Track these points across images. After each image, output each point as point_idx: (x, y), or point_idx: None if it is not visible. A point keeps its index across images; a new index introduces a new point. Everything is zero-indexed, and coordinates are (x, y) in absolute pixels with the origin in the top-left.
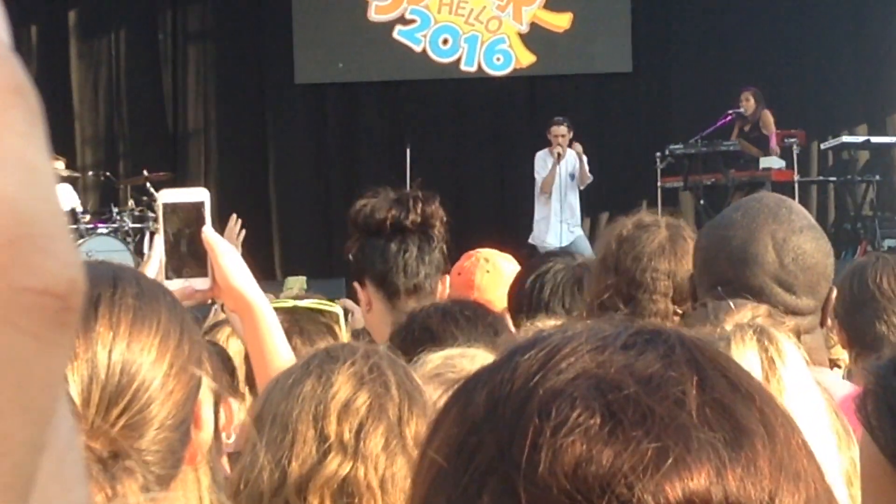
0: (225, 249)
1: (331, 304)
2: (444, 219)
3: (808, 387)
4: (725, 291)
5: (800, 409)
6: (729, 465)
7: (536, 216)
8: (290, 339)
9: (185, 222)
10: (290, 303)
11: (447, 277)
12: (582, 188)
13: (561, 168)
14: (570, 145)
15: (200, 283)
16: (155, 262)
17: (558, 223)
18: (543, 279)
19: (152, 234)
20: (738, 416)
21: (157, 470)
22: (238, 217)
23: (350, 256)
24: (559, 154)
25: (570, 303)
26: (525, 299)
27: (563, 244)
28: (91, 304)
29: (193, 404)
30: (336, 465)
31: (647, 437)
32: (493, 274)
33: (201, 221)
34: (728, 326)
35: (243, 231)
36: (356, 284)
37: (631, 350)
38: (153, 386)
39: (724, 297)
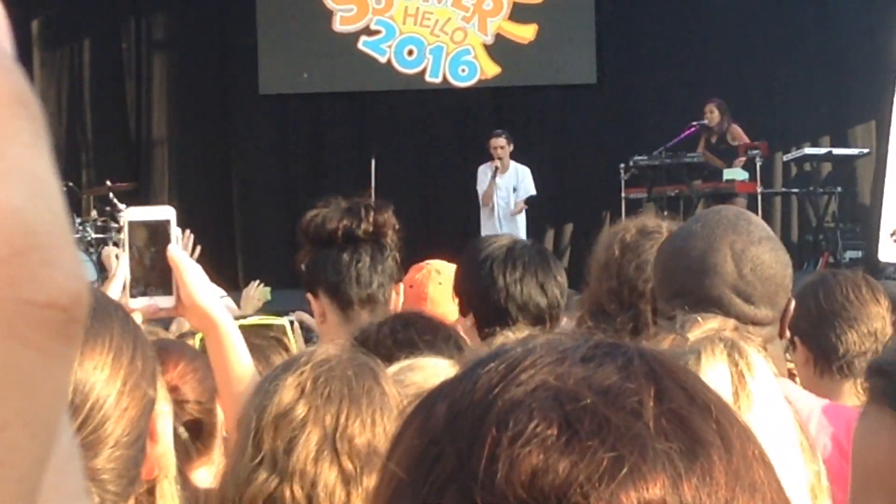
0: (190, 267)
1: (274, 317)
2: (396, 227)
3: (777, 400)
4: (684, 302)
5: (768, 423)
6: (684, 476)
7: (482, 231)
8: None
9: (151, 240)
10: (255, 321)
11: (401, 286)
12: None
13: (501, 181)
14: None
15: (165, 302)
16: (119, 280)
17: None
18: (513, 257)
19: (115, 244)
20: (694, 427)
21: (113, 488)
22: (202, 227)
23: (302, 267)
24: (497, 167)
25: (520, 274)
26: (474, 282)
27: None
28: None
29: (148, 420)
30: (262, 481)
31: (602, 446)
32: (445, 286)
33: (166, 240)
34: (692, 336)
35: (198, 247)
36: (309, 295)
37: (590, 362)
38: (107, 404)
39: (685, 310)
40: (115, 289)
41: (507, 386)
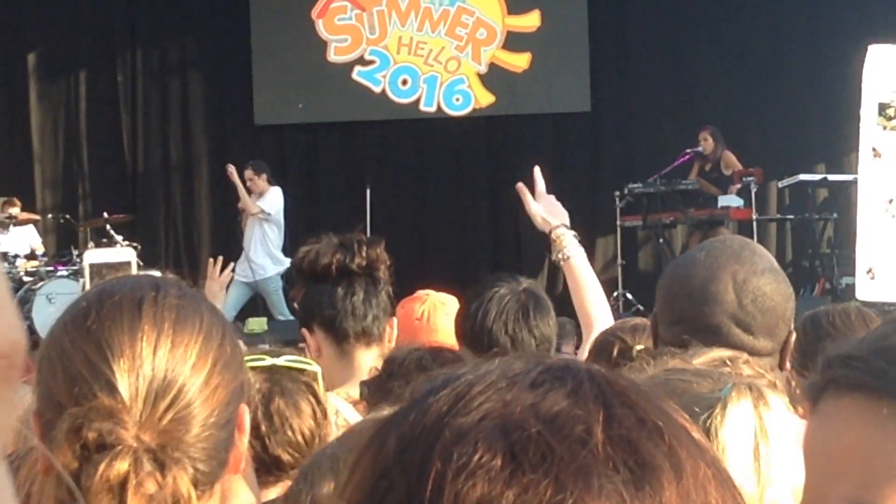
0: None
1: (308, 362)
2: (388, 262)
3: (795, 452)
4: (684, 329)
5: (786, 472)
6: None
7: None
8: (271, 398)
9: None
10: (268, 361)
11: (394, 320)
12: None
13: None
14: None
15: None
16: None
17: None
18: (487, 306)
19: None
20: (643, 452)
21: (204, 467)
22: (199, 258)
23: (295, 304)
24: (249, 190)
25: (514, 329)
26: (469, 323)
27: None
28: (135, 305)
29: (237, 407)
30: None
31: (546, 478)
32: (451, 318)
33: None
34: (696, 362)
35: (231, 275)
36: (304, 331)
37: (539, 388)
38: (199, 381)
39: (685, 337)
40: None
41: (456, 416)
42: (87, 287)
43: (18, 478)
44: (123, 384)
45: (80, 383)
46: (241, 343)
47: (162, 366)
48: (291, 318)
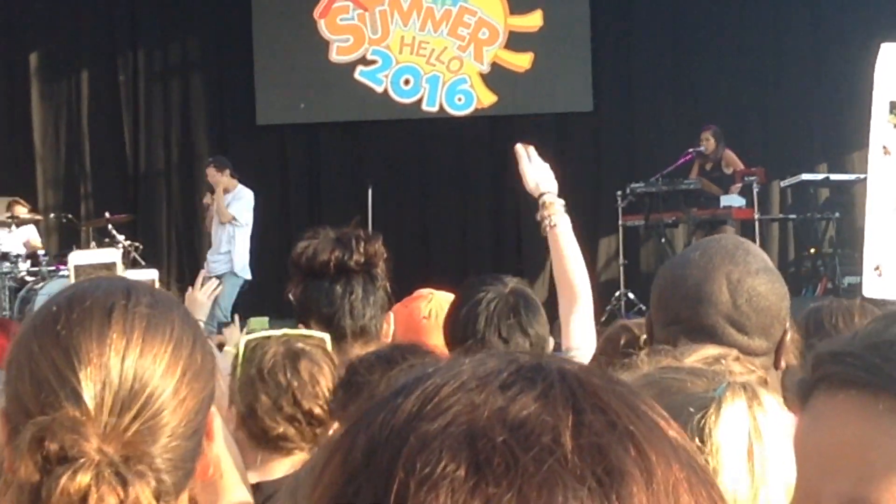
0: None
1: (316, 333)
2: (386, 256)
3: (789, 448)
4: (679, 329)
5: (780, 471)
6: None
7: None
8: (297, 360)
9: None
10: (280, 331)
11: (391, 315)
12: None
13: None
14: None
15: None
16: None
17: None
18: (477, 310)
19: None
20: (612, 458)
21: (169, 478)
22: (200, 258)
23: (291, 297)
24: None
25: (506, 332)
26: (460, 330)
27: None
28: (105, 313)
29: (206, 415)
30: None
31: (509, 491)
32: None
33: None
34: (688, 361)
35: (219, 287)
36: (301, 326)
37: (509, 390)
38: (165, 393)
39: (680, 337)
40: None
41: (423, 420)
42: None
43: None
44: (89, 393)
45: (46, 389)
46: (214, 349)
47: (129, 375)
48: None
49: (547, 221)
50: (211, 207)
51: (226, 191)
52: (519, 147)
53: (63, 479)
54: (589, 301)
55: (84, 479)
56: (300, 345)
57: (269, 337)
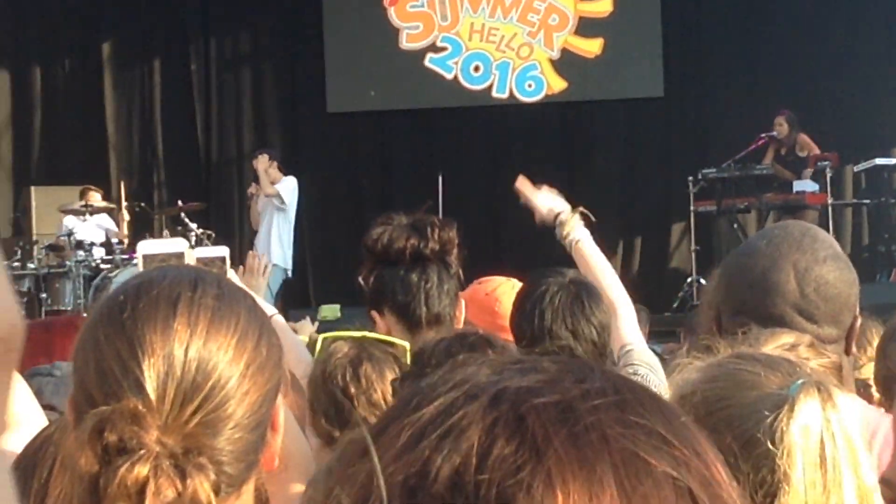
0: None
1: (399, 340)
2: (459, 243)
3: (861, 447)
4: (747, 319)
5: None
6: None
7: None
8: (360, 363)
9: None
10: (359, 333)
11: (463, 303)
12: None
13: (264, 199)
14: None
15: None
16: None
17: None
18: (542, 306)
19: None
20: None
21: (230, 470)
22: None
23: (362, 282)
24: (252, 194)
25: (571, 323)
26: (527, 325)
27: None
28: (171, 303)
29: (271, 407)
30: None
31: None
32: None
33: None
34: (766, 350)
35: (268, 267)
36: (374, 313)
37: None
38: (229, 384)
39: (748, 327)
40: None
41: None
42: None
43: (38, 471)
44: (151, 384)
45: (110, 379)
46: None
47: (193, 367)
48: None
49: (569, 239)
50: (256, 197)
51: (273, 182)
52: (520, 181)
53: (121, 471)
54: (628, 304)
55: (142, 470)
56: (371, 350)
57: (347, 337)
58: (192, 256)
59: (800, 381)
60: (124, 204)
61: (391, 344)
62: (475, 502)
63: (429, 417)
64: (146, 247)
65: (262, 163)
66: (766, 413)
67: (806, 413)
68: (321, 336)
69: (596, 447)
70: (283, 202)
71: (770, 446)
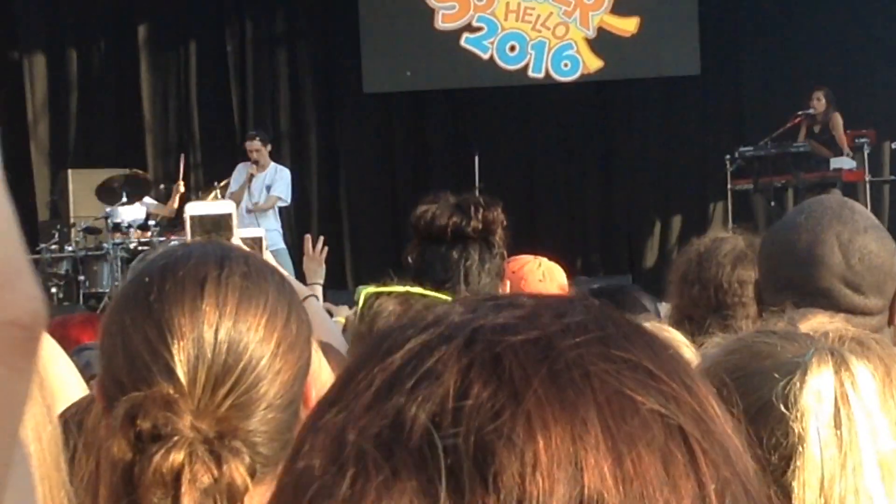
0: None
1: (442, 294)
2: (505, 223)
3: (877, 412)
4: (793, 294)
5: (870, 440)
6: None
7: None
8: None
9: (214, 232)
10: (403, 288)
11: (507, 283)
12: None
13: (255, 181)
14: None
15: None
16: None
17: None
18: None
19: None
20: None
21: (265, 451)
22: (309, 226)
23: (409, 260)
24: (251, 174)
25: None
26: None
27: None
28: (198, 284)
29: (303, 385)
30: None
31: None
32: (561, 282)
33: (229, 232)
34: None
35: (325, 248)
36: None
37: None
38: (260, 365)
39: (794, 303)
40: None
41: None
42: (189, 241)
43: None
44: (182, 369)
45: (139, 364)
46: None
47: (223, 349)
48: None
49: None
50: (245, 187)
51: (262, 168)
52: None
53: (156, 458)
54: None
55: (177, 457)
56: (418, 306)
57: (389, 293)
58: (189, 212)
59: (813, 349)
60: (181, 176)
61: (436, 300)
62: (454, 454)
63: (400, 363)
64: (194, 208)
65: (261, 151)
66: (778, 377)
67: (819, 378)
68: (363, 292)
69: (578, 386)
70: (285, 202)
71: (784, 410)
